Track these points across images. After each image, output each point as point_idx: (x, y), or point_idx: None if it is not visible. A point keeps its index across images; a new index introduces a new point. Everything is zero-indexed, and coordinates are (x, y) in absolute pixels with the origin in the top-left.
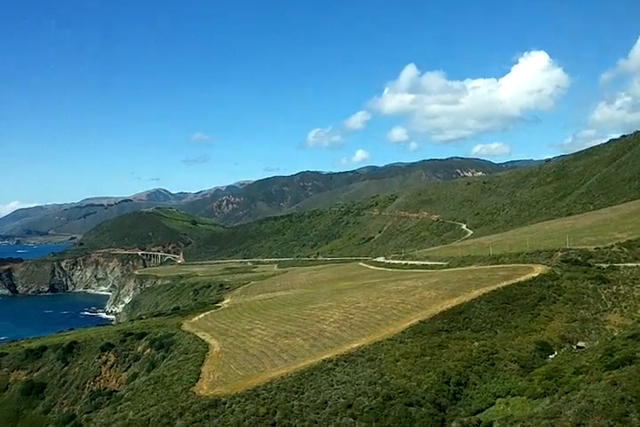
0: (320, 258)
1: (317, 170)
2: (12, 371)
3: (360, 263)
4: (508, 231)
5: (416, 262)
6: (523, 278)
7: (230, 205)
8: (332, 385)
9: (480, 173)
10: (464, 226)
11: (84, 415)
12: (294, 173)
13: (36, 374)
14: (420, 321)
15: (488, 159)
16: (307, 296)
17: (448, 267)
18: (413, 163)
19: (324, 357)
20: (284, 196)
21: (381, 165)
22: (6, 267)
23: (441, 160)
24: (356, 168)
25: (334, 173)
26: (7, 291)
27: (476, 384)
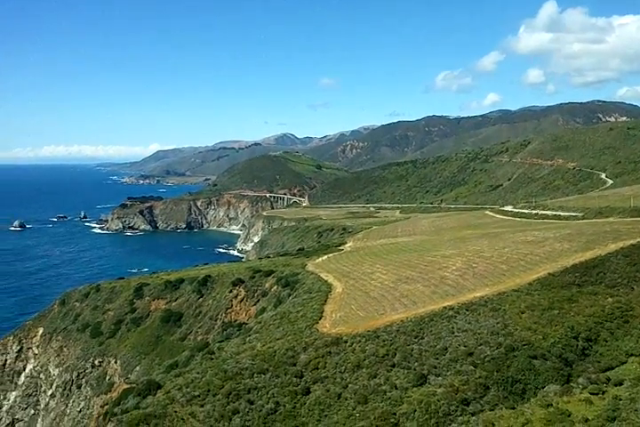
0: (444, 205)
1: (444, 114)
2: (153, 300)
3: (486, 212)
4: None
5: (547, 213)
6: None
7: (354, 150)
8: (453, 332)
9: (624, 118)
10: (603, 175)
11: (217, 344)
12: (419, 118)
13: (174, 304)
14: (550, 274)
15: (634, 103)
16: (429, 243)
17: (583, 218)
18: (549, 106)
19: (445, 304)
20: (409, 141)
21: (514, 108)
22: (148, 204)
23: (580, 103)
24: (485, 112)
25: (462, 118)
26: (149, 227)
27: (606, 341)
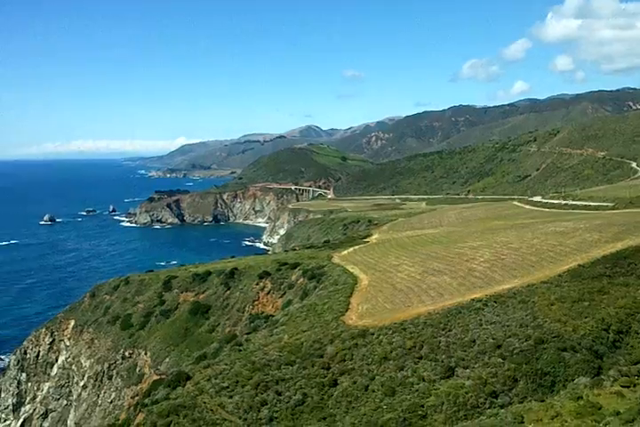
0: (471, 196)
1: (471, 104)
2: (182, 292)
3: (514, 202)
4: None
5: (577, 203)
6: None
7: (379, 142)
8: (481, 325)
9: None
10: (634, 164)
11: (244, 336)
12: (446, 108)
13: (201, 297)
14: (579, 265)
15: None
16: (456, 234)
17: (614, 208)
18: (578, 94)
19: (473, 296)
20: (435, 131)
21: (542, 97)
22: (175, 198)
23: (610, 91)
24: (513, 101)
25: (489, 107)
26: (176, 220)
27: (638, 333)
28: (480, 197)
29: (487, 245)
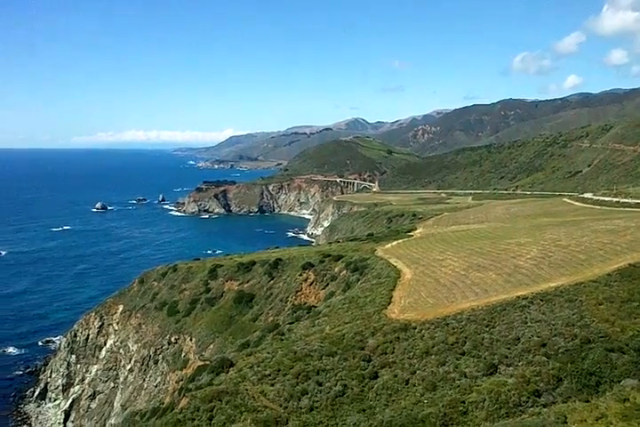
0: (519, 192)
1: (521, 97)
2: (227, 281)
3: (564, 199)
4: None
5: (629, 201)
6: None
7: (426, 135)
8: (526, 322)
9: None
10: None
11: (287, 326)
12: (495, 102)
13: (246, 286)
14: (630, 264)
15: None
16: (502, 230)
17: None
18: (634, 89)
19: (518, 293)
20: (483, 125)
21: (595, 91)
22: (222, 189)
23: None
24: (565, 95)
25: (540, 101)
26: (223, 210)
27: None
28: (529, 192)
29: (534, 242)
